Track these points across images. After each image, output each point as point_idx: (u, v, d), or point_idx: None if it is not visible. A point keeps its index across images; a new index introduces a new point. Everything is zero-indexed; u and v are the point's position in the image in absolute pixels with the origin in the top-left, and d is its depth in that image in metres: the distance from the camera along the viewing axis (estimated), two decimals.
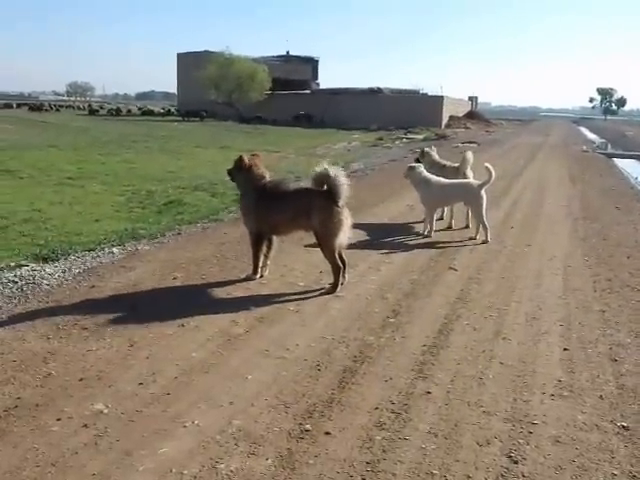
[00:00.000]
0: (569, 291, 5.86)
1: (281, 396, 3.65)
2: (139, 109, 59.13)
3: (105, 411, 3.40)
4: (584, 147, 27.98)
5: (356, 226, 8.45)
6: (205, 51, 47.05)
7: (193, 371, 3.93)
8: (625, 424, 3.43)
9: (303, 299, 5.43)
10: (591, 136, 47.56)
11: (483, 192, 7.90)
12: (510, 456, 3.08)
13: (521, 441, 3.23)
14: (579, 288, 5.96)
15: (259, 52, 53.21)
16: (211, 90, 42.81)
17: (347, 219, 5.62)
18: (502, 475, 2.93)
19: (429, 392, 3.76)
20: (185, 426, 3.27)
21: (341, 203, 5.52)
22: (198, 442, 3.12)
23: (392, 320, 4.97)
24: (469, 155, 8.94)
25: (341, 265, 5.69)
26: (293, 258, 6.74)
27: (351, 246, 7.23)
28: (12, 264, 6.07)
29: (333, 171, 5.50)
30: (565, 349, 4.47)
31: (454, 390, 3.80)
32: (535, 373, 4.06)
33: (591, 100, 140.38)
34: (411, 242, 7.80)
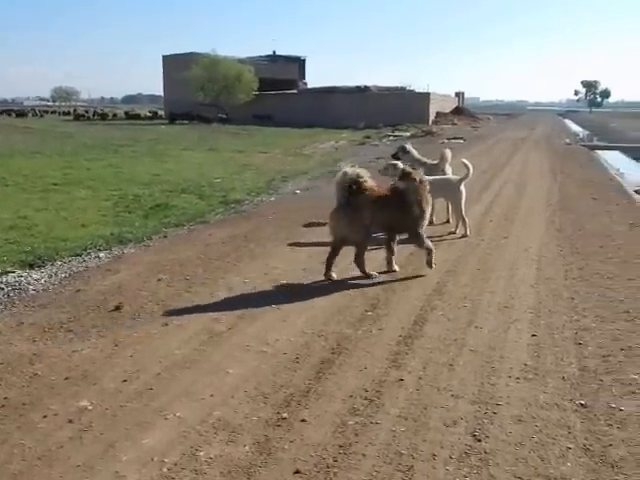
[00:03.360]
0: (541, 280, 6.06)
1: (260, 388, 3.82)
2: (125, 113, 58.96)
3: (90, 407, 3.56)
4: (567, 140, 28.28)
5: None
6: (191, 53, 47.05)
7: (176, 367, 4.10)
8: (583, 402, 3.62)
9: (285, 296, 5.60)
10: (576, 128, 47.96)
11: (462, 187, 8.09)
12: (474, 435, 3.27)
13: (485, 421, 3.42)
14: (551, 277, 6.16)
15: (245, 52, 53.10)
16: (198, 92, 42.87)
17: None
18: (465, 452, 3.11)
19: (401, 379, 3.94)
20: (167, 418, 3.44)
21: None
22: (179, 432, 3.29)
23: (370, 313, 5.15)
24: (447, 153, 9.14)
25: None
26: (276, 257, 6.90)
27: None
28: None
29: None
30: (533, 335, 4.66)
31: (425, 377, 3.98)
32: (503, 358, 4.25)
33: (576, 93, 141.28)
34: None
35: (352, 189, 5.95)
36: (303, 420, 3.43)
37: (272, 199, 11.22)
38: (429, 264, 6.34)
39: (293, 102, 46.74)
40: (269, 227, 8.45)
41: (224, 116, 42.44)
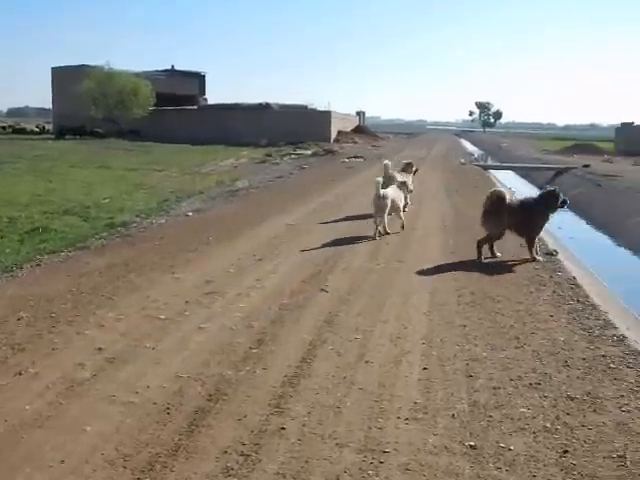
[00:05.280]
0: (435, 307, 5.94)
1: (121, 448, 3.36)
2: (9, 127, 54.74)
3: None
4: (462, 160, 29.30)
5: (232, 248, 8.34)
6: (83, 65, 45.04)
7: (24, 426, 3.55)
8: (473, 443, 3.44)
9: (162, 333, 5.13)
10: (471, 148, 50.18)
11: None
12: None
13: (370, 472, 3.16)
14: (444, 303, 6.06)
15: (142, 66, 51.17)
16: (90, 106, 40.95)
17: None
18: None
19: (283, 428, 3.61)
20: None
21: None
22: None
23: (255, 351, 4.79)
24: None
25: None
26: (158, 288, 6.40)
27: (224, 271, 7.07)
28: None
29: None
30: (424, 368, 4.48)
31: (309, 423, 3.67)
32: (393, 397, 4.02)
33: (471, 113, 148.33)
34: (287, 263, 7.64)
35: None
36: None
37: (162, 221, 10.62)
38: None
39: (193, 118, 45.74)
40: (154, 254, 7.89)
41: (126, 130, 40.77)
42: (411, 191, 10.99)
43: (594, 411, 3.79)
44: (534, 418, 3.70)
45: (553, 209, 7.98)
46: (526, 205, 8.10)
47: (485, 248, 8.03)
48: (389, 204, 9.31)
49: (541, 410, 3.79)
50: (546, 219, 8.05)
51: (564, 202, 7.96)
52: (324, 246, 8.62)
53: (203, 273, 6.97)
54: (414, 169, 12.28)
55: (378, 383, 4.23)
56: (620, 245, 12.13)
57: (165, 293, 6.23)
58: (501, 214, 7.91)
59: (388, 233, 9.47)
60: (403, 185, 10.34)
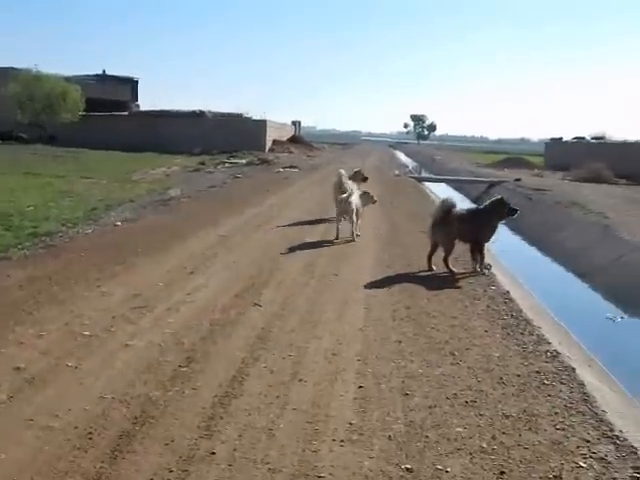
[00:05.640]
0: (370, 322, 5.89)
1: (38, 478, 3.11)
2: None
3: None
4: (396, 171, 29.72)
5: (162, 260, 8.05)
6: (9, 68, 43.11)
7: None
8: (409, 466, 3.38)
9: (86, 351, 4.84)
10: (405, 160, 51.00)
11: None
12: None
13: None
14: (379, 318, 6.02)
15: (72, 71, 49.50)
16: (16, 110, 39.15)
17: None
18: None
19: (213, 452, 3.44)
20: None
21: None
22: None
23: (184, 369, 4.58)
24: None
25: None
26: (83, 302, 6.08)
27: (153, 285, 6.80)
28: None
29: None
30: (360, 387, 4.40)
31: (241, 447, 3.52)
32: (328, 417, 3.91)
33: (406, 126, 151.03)
34: (219, 276, 7.43)
35: None
36: None
37: (89, 231, 10.16)
38: None
39: (124, 125, 44.47)
40: (79, 265, 7.50)
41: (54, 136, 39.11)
42: (375, 201, 11.16)
43: (529, 429, 3.80)
44: (470, 438, 3.67)
45: (501, 218, 8.13)
46: (475, 214, 8.24)
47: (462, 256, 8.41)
48: (354, 208, 9.92)
49: (477, 429, 3.77)
50: (495, 228, 8.18)
51: (513, 210, 8.09)
52: (258, 258, 8.45)
53: (131, 286, 6.67)
54: (363, 177, 12.46)
55: (312, 403, 4.11)
56: (550, 258, 12.51)
57: (90, 308, 5.91)
58: (451, 224, 7.97)
59: (356, 237, 10.13)
60: (366, 194, 10.75)
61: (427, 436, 3.71)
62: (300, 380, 4.47)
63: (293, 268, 8.00)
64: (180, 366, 4.63)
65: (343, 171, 11.78)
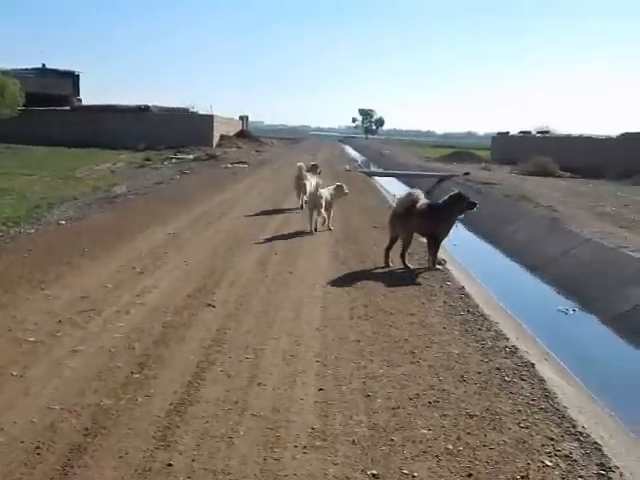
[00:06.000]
0: (327, 321, 5.79)
1: None
2: None
3: None
4: (347, 166, 29.70)
5: (109, 260, 7.74)
6: None
7: None
8: (375, 472, 3.29)
9: (31, 358, 4.57)
10: (354, 154, 51.14)
11: None
12: None
13: None
14: (337, 317, 5.92)
15: (10, 64, 47.35)
16: None
17: None
18: None
19: (170, 464, 3.28)
20: None
21: None
22: None
23: (137, 376, 4.37)
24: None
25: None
26: (26, 306, 5.75)
27: (101, 286, 6.51)
28: None
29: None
30: (320, 389, 4.29)
31: (199, 457, 3.36)
32: (289, 423, 3.78)
33: (354, 120, 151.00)
34: (170, 276, 7.18)
35: None
36: None
37: (32, 231, 9.71)
38: None
39: (66, 120, 43.00)
40: (22, 267, 7.12)
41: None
42: (347, 194, 11.42)
43: (494, 429, 3.77)
44: (435, 440, 3.61)
45: (461, 212, 8.10)
46: (435, 209, 8.14)
47: (426, 253, 8.36)
48: (323, 203, 10.37)
49: (442, 431, 3.71)
50: (453, 222, 8.20)
51: (472, 204, 8.10)
52: (209, 257, 8.24)
53: (77, 289, 6.38)
54: (319, 170, 13.87)
55: (272, 408, 3.98)
56: (502, 252, 12.69)
57: (34, 312, 5.60)
58: (411, 217, 7.93)
59: (330, 229, 10.73)
60: (339, 188, 11.08)
61: (392, 439, 3.63)
62: (259, 384, 4.33)
63: (246, 266, 7.82)
64: (132, 372, 4.42)
65: (302, 164, 12.76)
